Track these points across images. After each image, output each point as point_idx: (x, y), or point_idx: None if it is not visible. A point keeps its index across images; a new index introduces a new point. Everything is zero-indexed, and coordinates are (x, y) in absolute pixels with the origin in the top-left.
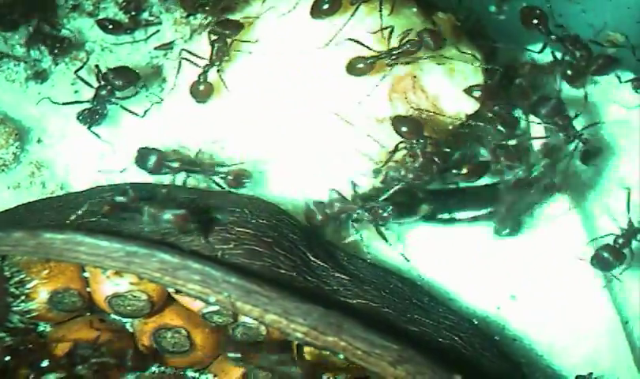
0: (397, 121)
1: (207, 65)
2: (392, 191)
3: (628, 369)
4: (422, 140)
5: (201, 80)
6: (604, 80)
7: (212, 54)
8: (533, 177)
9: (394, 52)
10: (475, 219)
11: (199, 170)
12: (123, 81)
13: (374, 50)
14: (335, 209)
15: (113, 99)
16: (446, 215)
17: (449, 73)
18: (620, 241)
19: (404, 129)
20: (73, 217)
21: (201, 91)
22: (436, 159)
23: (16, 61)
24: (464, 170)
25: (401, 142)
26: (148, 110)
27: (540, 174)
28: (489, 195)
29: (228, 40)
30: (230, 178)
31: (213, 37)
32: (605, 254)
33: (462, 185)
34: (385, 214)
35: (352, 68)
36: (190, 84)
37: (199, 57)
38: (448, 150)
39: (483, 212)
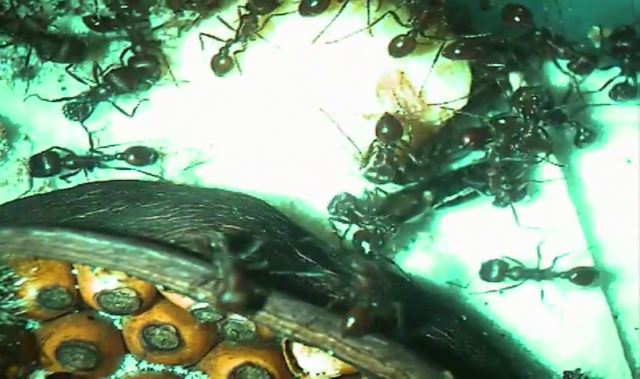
0: (382, 121)
1: (230, 39)
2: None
3: (620, 364)
4: (390, 147)
5: (222, 54)
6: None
7: (238, 29)
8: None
9: (423, 22)
10: (474, 194)
11: (94, 159)
12: (126, 85)
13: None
14: (344, 208)
15: (109, 99)
16: (450, 198)
17: (436, 68)
18: (514, 274)
19: (384, 130)
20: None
21: (221, 65)
22: (400, 167)
23: (2, 58)
24: (467, 139)
25: (375, 141)
26: (137, 108)
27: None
28: (484, 171)
29: (259, 17)
30: (130, 157)
31: (244, 12)
32: (492, 268)
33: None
34: (385, 233)
35: (394, 49)
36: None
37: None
38: (419, 160)
39: (480, 185)
